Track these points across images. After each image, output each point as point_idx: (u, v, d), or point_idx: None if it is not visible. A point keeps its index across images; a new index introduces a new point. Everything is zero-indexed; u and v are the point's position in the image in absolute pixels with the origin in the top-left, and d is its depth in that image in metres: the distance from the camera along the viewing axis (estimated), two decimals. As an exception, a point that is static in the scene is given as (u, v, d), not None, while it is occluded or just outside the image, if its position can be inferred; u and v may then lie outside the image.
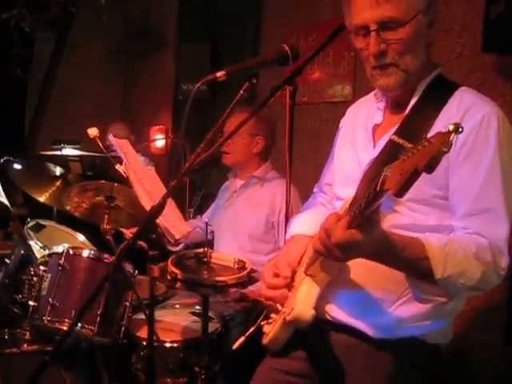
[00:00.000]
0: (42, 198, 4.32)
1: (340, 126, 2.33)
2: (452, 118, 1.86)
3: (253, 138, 3.73)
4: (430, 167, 1.35)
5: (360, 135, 2.13)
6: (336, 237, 1.62)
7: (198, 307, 3.38)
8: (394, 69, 1.93)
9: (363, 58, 2.00)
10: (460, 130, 1.38)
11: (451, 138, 1.38)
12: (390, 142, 1.95)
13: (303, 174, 5.07)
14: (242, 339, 2.17)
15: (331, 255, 1.69)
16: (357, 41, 1.97)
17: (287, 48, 2.08)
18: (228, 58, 6.20)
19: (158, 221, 2.46)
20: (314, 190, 2.46)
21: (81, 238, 4.33)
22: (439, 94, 1.96)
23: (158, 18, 7.91)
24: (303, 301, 1.92)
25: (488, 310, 3.51)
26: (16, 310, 3.40)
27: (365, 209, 1.54)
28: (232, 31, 6.25)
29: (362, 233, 1.58)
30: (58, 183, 4.37)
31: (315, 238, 1.77)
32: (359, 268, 1.84)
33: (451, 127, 1.38)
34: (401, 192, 1.43)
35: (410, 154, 1.40)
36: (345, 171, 2.14)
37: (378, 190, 1.48)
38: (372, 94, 2.19)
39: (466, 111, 1.87)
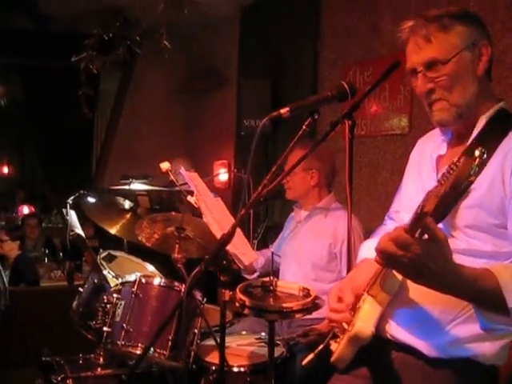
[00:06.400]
0: (113, 230, 4.42)
1: (410, 157, 2.43)
2: (510, 151, 1.93)
3: (307, 172, 3.82)
4: (455, 189, 1.48)
5: (425, 165, 2.22)
6: (378, 244, 1.73)
7: (263, 333, 3.45)
8: (444, 104, 2.04)
9: (419, 96, 2.12)
10: (484, 156, 1.52)
11: (476, 163, 1.51)
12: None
13: (364, 205, 5.17)
14: (311, 356, 2.18)
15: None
16: (412, 81, 2.11)
17: (346, 85, 2.18)
18: (288, 92, 6.33)
19: (228, 248, 2.59)
20: (386, 217, 2.53)
21: (150, 267, 4.43)
22: (500, 127, 2.02)
23: (220, 56, 8.10)
24: (364, 319, 2.00)
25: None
26: (90, 336, 3.54)
27: (411, 229, 1.64)
28: (291, 66, 6.38)
29: (398, 247, 1.65)
30: (128, 216, 4.47)
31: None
32: (417, 288, 1.85)
33: (477, 153, 1.53)
34: (436, 214, 1.55)
35: (445, 179, 1.55)
36: (410, 198, 2.21)
37: (418, 212, 1.61)
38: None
39: None
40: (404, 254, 1.66)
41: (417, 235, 1.66)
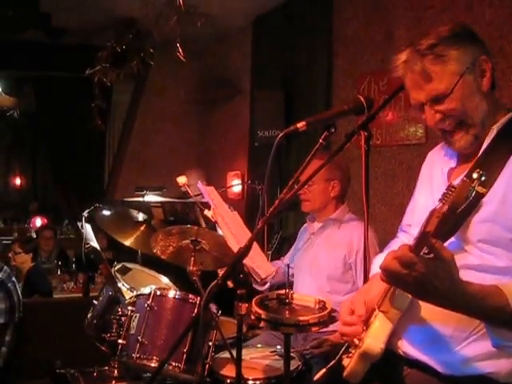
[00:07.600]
0: (127, 242, 4.45)
1: (421, 170, 2.39)
2: None
3: (329, 183, 3.80)
4: (454, 211, 1.46)
5: (437, 179, 2.18)
6: (383, 262, 1.71)
7: (279, 346, 3.45)
8: (463, 129, 1.99)
9: (431, 127, 2.07)
10: (483, 178, 1.49)
11: (473, 185, 1.49)
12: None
13: (379, 215, 5.14)
14: (323, 371, 2.20)
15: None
16: (420, 114, 2.07)
17: (362, 99, 2.17)
18: (301, 102, 6.28)
19: (244, 261, 2.57)
20: (398, 229, 2.50)
21: (164, 280, 4.45)
22: (510, 137, 1.98)
23: (233, 67, 8.11)
24: (374, 335, 1.99)
25: None
26: (104, 348, 3.56)
27: (415, 247, 1.63)
28: (305, 76, 6.35)
29: (402, 266, 1.64)
30: (142, 228, 4.51)
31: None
32: (429, 305, 1.83)
33: (474, 175, 1.51)
34: (439, 233, 1.55)
35: (446, 199, 1.53)
36: (421, 213, 2.14)
37: (422, 231, 1.59)
38: None
39: None
40: (408, 273, 1.66)
41: (425, 251, 1.65)
